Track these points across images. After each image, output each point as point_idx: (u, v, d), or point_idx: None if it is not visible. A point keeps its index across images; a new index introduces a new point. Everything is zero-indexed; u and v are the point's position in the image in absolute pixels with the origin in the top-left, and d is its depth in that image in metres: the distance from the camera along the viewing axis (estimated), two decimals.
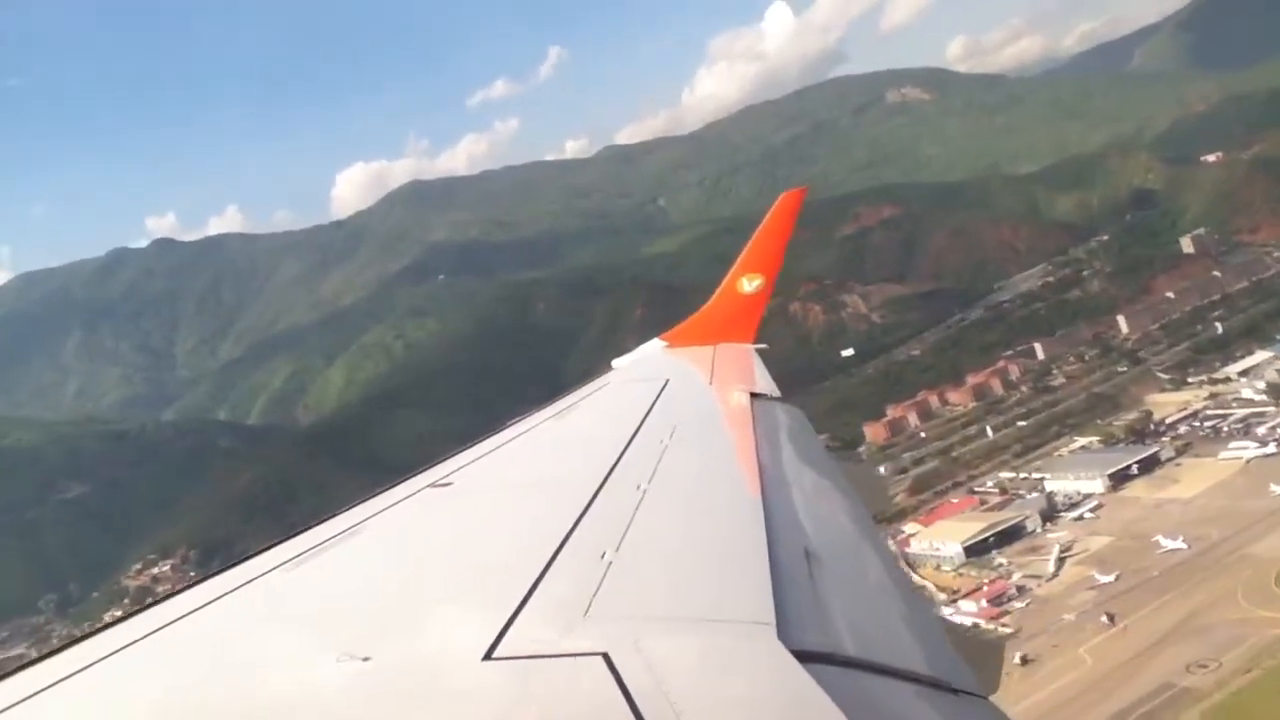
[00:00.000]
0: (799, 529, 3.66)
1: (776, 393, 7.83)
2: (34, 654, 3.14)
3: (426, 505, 4.69)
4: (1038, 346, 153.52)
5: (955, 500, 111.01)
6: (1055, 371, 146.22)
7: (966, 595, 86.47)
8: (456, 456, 5.88)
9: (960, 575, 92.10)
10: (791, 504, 4.09)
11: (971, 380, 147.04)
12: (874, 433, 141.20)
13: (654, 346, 12.33)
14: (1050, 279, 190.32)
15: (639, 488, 4.11)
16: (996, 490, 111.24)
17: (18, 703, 2.54)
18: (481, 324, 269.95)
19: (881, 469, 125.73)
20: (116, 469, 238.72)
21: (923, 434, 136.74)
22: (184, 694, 2.57)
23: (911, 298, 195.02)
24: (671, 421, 6.13)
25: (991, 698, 2.72)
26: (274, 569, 3.65)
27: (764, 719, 2.00)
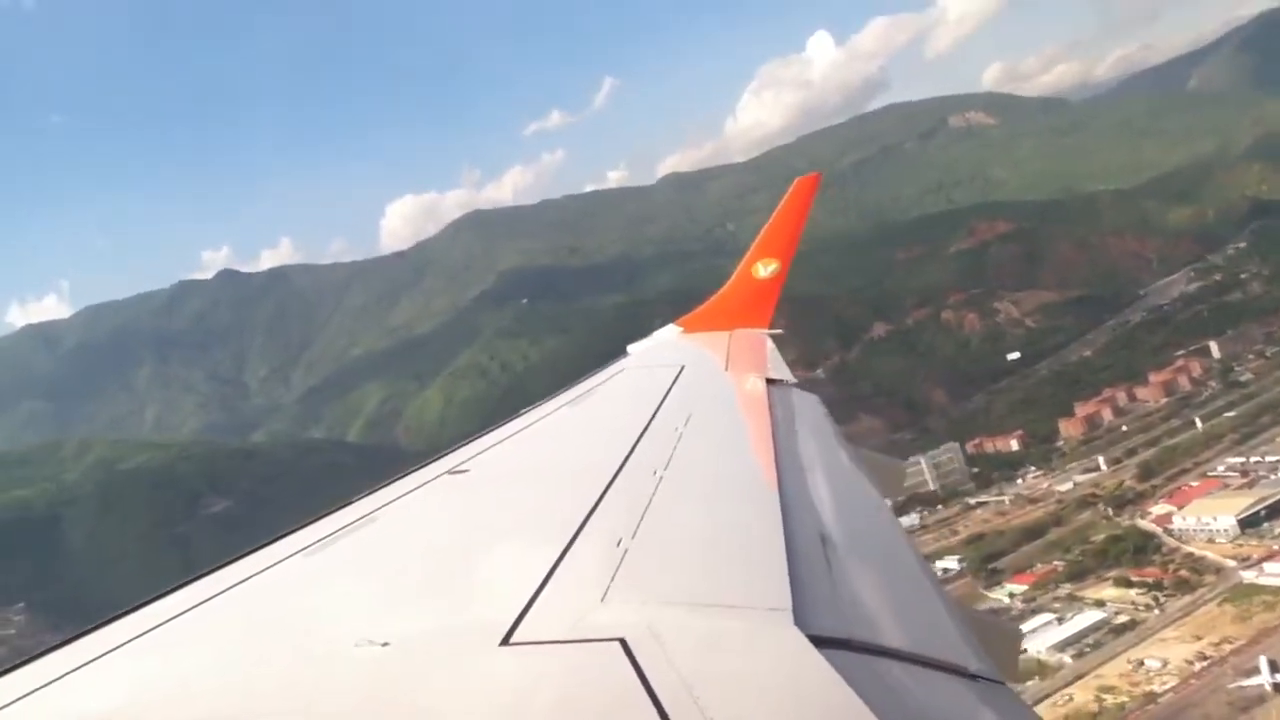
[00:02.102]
0: (815, 515, 3.70)
1: (792, 379, 7.98)
2: None
3: (443, 492, 4.73)
4: (1213, 345, 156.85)
5: (1194, 484, 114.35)
6: (1238, 368, 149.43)
7: (1264, 559, 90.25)
8: (473, 443, 5.96)
9: (1240, 545, 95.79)
10: (808, 490, 4.12)
11: (1155, 378, 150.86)
12: (1069, 428, 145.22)
13: (669, 332, 12.39)
14: (1201, 284, 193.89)
15: (655, 474, 4.13)
16: (1235, 473, 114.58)
17: (40, 687, 2.54)
18: (607, 339, 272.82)
19: (1100, 459, 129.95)
20: (253, 484, 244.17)
21: (1124, 428, 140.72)
22: (203, 679, 2.56)
23: (1062, 304, 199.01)
24: (688, 407, 6.25)
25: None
26: (292, 555, 3.67)
27: (781, 704, 1.96)
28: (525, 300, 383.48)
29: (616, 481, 4.06)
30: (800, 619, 2.33)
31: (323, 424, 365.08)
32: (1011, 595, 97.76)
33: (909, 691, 2.29)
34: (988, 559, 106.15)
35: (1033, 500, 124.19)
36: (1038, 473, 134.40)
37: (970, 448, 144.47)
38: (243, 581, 3.37)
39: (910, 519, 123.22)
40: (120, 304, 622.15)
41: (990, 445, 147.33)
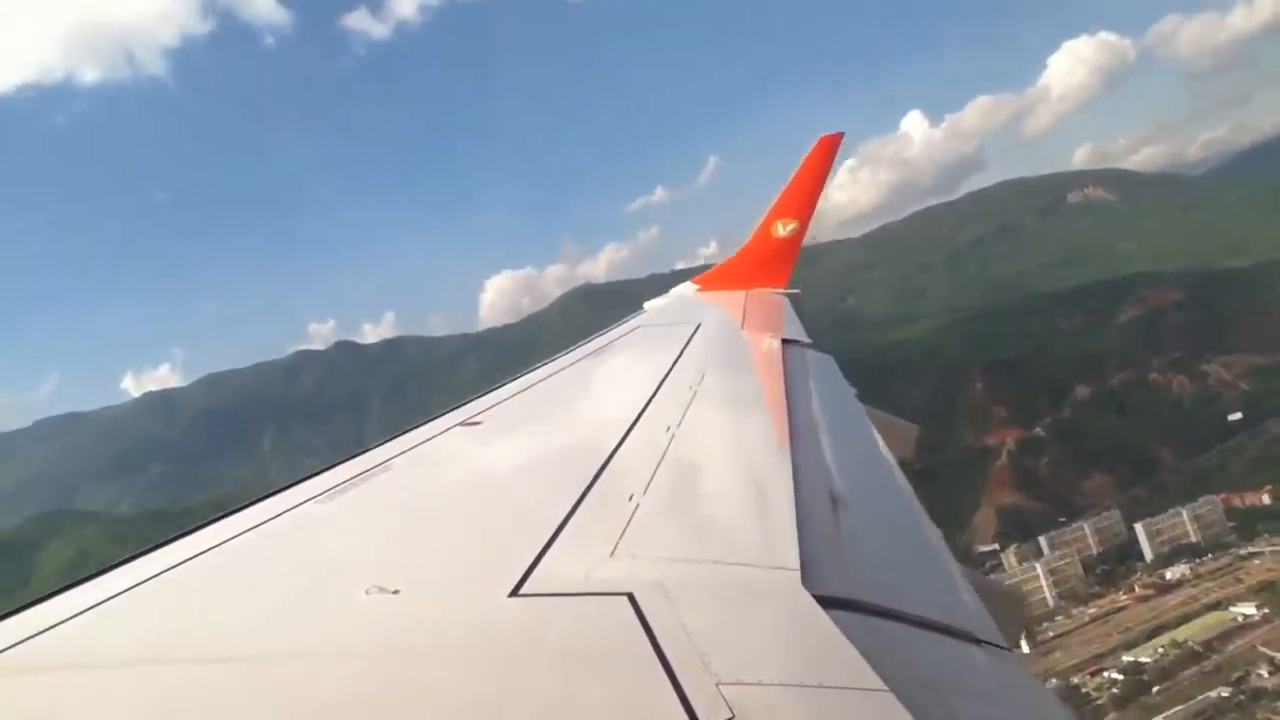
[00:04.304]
0: (826, 475, 3.67)
1: (807, 339, 7.92)
2: None
3: (456, 443, 4.69)
4: None
5: None
6: None
7: None
8: (487, 395, 5.95)
9: None
10: (820, 451, 4.10)
11: None
12: None
13: (686, 289, 12.48)
14: None
15: (668, 430, 4.14)
16: None
17: (59, 623, 2.50)
18: None
19: None
20: None
21: None
22: (214, 621, 2.54)
23: (1272, 366, 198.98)
24: (702, 365, 6.21)
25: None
26: (305, 502, 3.64)
27: (786, 663, 1.95)
28: None
29: (629, 437, 4.09)
30: (808, 579, 2.34)
31: None
32: None
33: (913, 653, 2.29)
34: None
35: None
36: None
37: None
38: (255, 527, 3.38)
39: (1180, 569, 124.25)
40: (238, 373, 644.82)
41: (1238, 500, 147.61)
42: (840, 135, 12.43)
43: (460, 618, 2.30)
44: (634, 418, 4.42)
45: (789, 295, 11.58)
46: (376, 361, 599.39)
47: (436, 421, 5.11)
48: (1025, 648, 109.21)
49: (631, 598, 2.21)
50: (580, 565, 2.50)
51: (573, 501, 3.13)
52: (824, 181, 12.40)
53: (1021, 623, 4.57)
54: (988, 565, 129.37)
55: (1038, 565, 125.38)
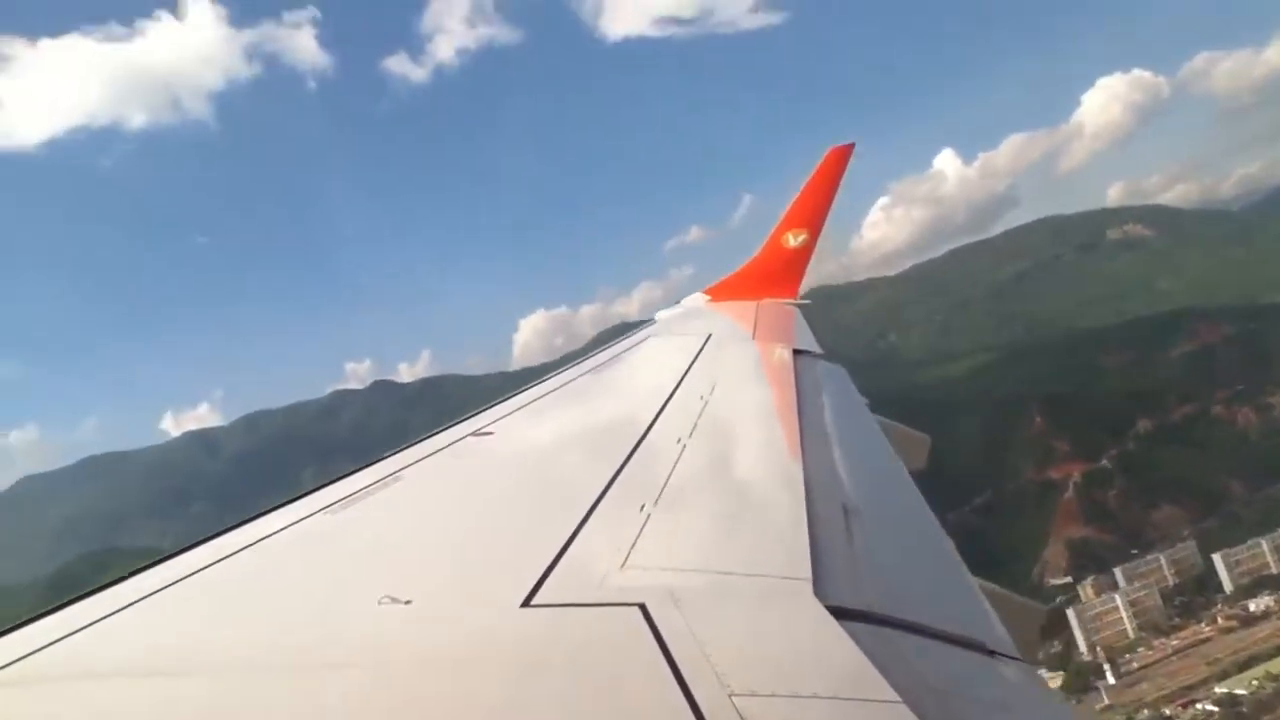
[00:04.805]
0: (838, 486, 3.66)
1: (818, 349, 7.92)
2: None
3: (468, 454, 4.69)
4: None
5: None
6: None
7: None
8: (498, 407, 5.93)
9: None
10: (831, 461, 4.06)
11: None
12: None
13: (697, 300, 12.41)
14: None
15: (679, 441, 4.14)
16: None
17: (71, 634, 2.48)
18: None
19: None
20: None
21: None
22: (227, 631, 2.53)
23: None
24: (713, 376, 6.22)
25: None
26: (318, 512, 3.63)
27: (799, 673, 1.94)
28: None
29: (640, 448, 4.10)
30: (820, 589, 2.34)
31: None
32: None
33: (926, 664, 2.25)
34: None
35: None
36: None
37: None
38: (268, 536, 3.36)
39: (1264, 600, 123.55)
40: (276, 412, 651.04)
41: None
42: (851, 146, 12.47)
43: (472, 628, 2.29)
44: (645, 427, 4.52)
45: (799, 306, 11.61)
46: (414, 401, 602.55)
47: (448, 432, 5.20)
48: (1110, 678, 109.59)
49: (644, 608, 2.20)
50: (592, 575, 2.50)
51: (584, 512, 3.14)
52: (834, 192, 12.36)
53: (1038, 635, 4.61)
54: (1060, 599, 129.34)
55: (1117, 597, 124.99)
